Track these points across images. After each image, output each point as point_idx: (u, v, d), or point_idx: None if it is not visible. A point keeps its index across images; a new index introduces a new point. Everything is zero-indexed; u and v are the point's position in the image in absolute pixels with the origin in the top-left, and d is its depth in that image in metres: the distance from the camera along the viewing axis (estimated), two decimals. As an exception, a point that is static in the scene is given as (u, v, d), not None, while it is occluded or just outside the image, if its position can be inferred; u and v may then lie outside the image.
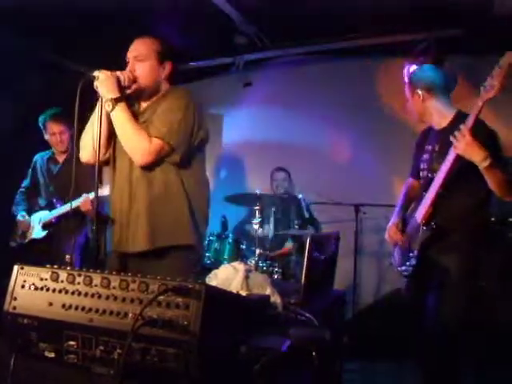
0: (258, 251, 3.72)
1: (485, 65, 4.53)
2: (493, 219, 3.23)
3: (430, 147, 2.64)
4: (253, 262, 3.63)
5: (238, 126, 5.50)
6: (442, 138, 2.49)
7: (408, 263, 2.61)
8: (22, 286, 1.40)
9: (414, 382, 3.40)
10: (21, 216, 3.66)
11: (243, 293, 1.71)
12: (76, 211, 3.34)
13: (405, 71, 4.27)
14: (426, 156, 2.66)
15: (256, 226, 3.80)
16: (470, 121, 2.19)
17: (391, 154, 4.66)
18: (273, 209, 4.32)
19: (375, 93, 4.75)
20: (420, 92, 2.60)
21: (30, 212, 3.69)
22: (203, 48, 4.80)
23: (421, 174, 2.68)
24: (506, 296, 3.50)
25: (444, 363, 2.48)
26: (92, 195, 3.27)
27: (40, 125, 3.68)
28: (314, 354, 1.54)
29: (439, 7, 3.69)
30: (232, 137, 5.57)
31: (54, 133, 3.62)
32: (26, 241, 3.63)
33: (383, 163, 4.73)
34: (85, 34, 4.09)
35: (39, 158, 3.79)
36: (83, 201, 3.31)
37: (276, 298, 1.80)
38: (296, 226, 4.23)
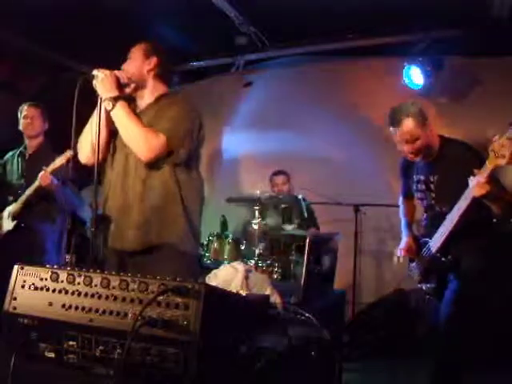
0: (257, 251, 3.72)
1: (483, 65, 4.56)
2: (494, 220, 3.27)
3: (422, 177, 2.78)
4: (252, 262, 3.63)
5: (238, 126, 5.50)
6: (439, 169, 2.66)
7: (428, 285, 2.81)
8: (22, 286, 1.40)
9: (413, 381, 3.41)
10: None
11: (243, 293, 1.72)
12: (39, 193, 3.38)
13: (404, 71, 4.29)
14: (421, 186, 2.80)
15: (256, 227, 3.79)
16: (485, 174, 2.32)
17: (391, 155, 4.66)
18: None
19: (375, 93, 4.75)
20: (431, 126, 2.65)
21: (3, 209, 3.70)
22: (203, 48, 4.81)
23: (420, 202, 2.86)
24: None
25: (451, 360, 2.65)
26: (48, 168, 3.32)
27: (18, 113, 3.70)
28: (313, 353, 1.54)
29: (438, 7, 3.69)
30: (232, 137, 5.57)
31: (27, 116, 3.65)
32: (2, 235, 3.63)
33: (383, 163, 4.73)
34: (85, 34, 4.09)
35: (9, 156, 3.81)
36: (40, 177, 3.33)
37: (276, 298, 1.80)
38: (295, 226, 4.22)
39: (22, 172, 3.69)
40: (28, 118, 3.66)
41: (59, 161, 3.29)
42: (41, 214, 3.56)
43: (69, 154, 3.19)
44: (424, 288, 2.86)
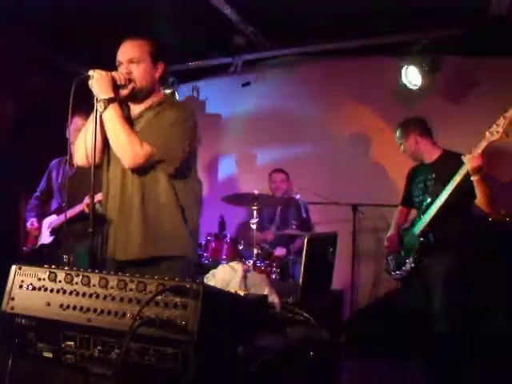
0: (255, 251, 3.72)
1: (481, 65, 4.56)
2: (490, 219, 3.35)
3: (422, 178, 3.25)
4: (251, 261, 3.63)
5: (236, 126, 5.50)
6: (437, 169, 3.15)
7: (404, 268, 3.16)
8: (20, 286, 1.40)
9: (412, 380, 3.41)
10: (30, 222, 3.65)
11: (241, 293, 1.72)
12: (82, 215, 3.28)
13: (403, 72, 4.29)
14: (420, 185, 3.24)
15: (254, 226, 3.80)
16: (479, 150, 2.72)
17: (388, 155, 4.67)
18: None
19: (374, 93, 4.76)
20: (414, 137, 3.24)
21: (45, 216, 3.66)
22: (201, 48, 4.80)
23: (416, 199, 3.27)
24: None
25: (449, 357, 2.94)
26: (97, 196, 3.25)
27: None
28: (311, 353, 1.54)
29: (437, 7, 3.69)
30: (230, 136, 5.56)
31: (80, 129, 3.58)
32: (37, 246, 3.61)
33: (380, 164, 4.74)
34: (85, 34, 4.08)
35: (55, 163, 3.74)
36: (85, 204, 3.26)
37: (274, 298, 1.80)
38: (293, 227, 4.23)
39: (65, 181, 3.57)
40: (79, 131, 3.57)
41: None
42: (78, 233, 3.51)
43: None
44: (399, 272, 3.20)
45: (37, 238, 3.63)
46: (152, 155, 2.09)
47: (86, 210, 3.27)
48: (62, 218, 3.50)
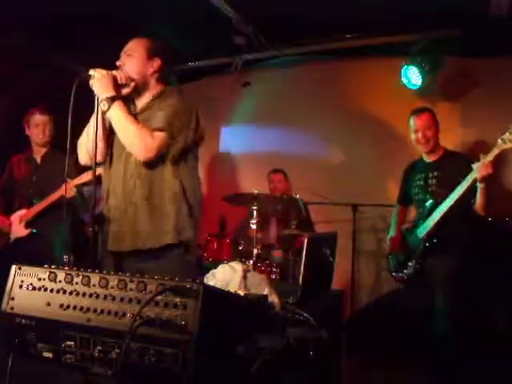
0: (255, 251, 3.72)
1: (481, 65, 4.56)
2: (490, 219, 3.35)
3: (422, 175, 3.20)
4: (251, 261, 3.63)
5: (236, 126, 5.50)
6: (440, 168, 3.14)
7: (406, 270, 3.17)
8: (20, 286, 1.40)
9: (411, 380, 3.41)
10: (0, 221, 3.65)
11: (241, 293, 1.71)
12: (58, 203, 3.35)
13: (403, 72, 4.29)
14: (419, 182, 3.23)
15: (254, 226, 3.80)
16: (490, 157, 2.74)
17: (388, 155, 4.67)
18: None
19: (374, 93, 4.75)
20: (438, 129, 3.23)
21: (10, 213, 3.66)
22: (201, 48, 4.80)
23: (416, 197, 3.26)
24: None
25: (450, 356, 2.98)
26: (73, 181, 3.27)
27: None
28: (311, 353, 1.54)
29: (436, 8, 3.69)
30: (230, 136, 5.57)
31: (38, 124, 3.63)
32: (10, 242, 3.61)
33: (380, 164, 4.73)
34: (85, 34, 4.08)
35: (16, 159, 3.78)
36: (64, 188, 3.27)
37: (274, 298, 1.80)
38: (293, 226, 4.23)
39: (29, 177, 3.65)
40: (40, 126, 3.62)
41: (86, 176, 3.18)
42: (55, 221, 3.51)
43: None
44: (401, 274, 3.22)
45: (6, 234, 3.62)
46: (163, 142, 2.11)
47: (66, 196, 3.29)
48: (36, 208, 3.52)
